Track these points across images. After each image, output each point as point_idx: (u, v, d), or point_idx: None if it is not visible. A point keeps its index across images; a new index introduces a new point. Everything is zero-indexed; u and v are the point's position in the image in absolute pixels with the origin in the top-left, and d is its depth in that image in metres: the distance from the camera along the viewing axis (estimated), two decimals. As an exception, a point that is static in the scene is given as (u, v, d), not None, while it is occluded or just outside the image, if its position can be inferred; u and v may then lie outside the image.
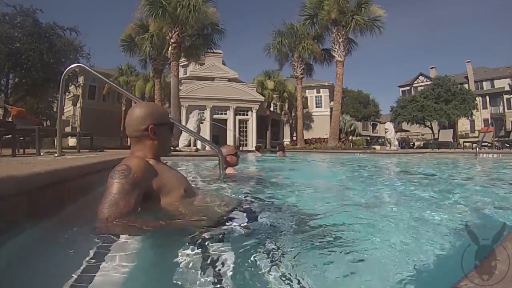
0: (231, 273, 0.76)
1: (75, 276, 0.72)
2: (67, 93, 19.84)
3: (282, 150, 9.01)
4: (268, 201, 1.71)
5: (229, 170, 2.73)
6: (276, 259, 0.86)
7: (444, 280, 0.78)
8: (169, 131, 1.39)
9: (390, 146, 11.39)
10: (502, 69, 34.05)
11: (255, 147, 10.72)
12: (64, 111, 23.06)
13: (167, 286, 0.79)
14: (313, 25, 18.99)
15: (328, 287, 0.77)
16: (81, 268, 0.76)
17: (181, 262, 0.83)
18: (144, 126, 1.25)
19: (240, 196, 1.82)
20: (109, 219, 0.98)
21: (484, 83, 34.95)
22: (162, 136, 1.30)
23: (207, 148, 8.30)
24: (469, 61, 34.89)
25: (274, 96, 27.01)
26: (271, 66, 26.84)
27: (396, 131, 13.25)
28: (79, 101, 27.23)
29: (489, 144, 11.09)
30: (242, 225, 1.14)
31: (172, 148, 1.68)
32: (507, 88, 32.16)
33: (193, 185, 1.57)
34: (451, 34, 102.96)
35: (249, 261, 0.85)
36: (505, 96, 32.50)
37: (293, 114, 29.28)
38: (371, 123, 40.23)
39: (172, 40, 15.60)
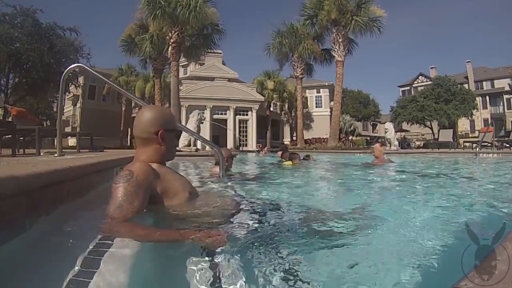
0: (234, 273, 0.76)
1: (73, 276, 0.72)
2: (67, 93, 19.86)
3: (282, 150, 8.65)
4: (269, 201, 1.71)
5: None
6: (279, 258, 0.86)
7: (444, 280, 0.78)
8: (176, 138, 1.41)
9: (390, 146, 11.37)
10: (502, 69, 34.02)
11: (258, 146, 10.45)
12: (64, 111, 23.07)
13: (168, 287, 0.79)
14: (313, 25, 19.04)
15: (330, 286, 0.77)
16: (80, 268, 0.76)
17: (182, 262, 0.83)
18: (153, 129, 1.26)
19: (241, 196, 1.82)
20: (113, 221, 0.98)
21: (484, 83, 34.93)
22: (169, 142, 1.31)
23: (207, 148, 8.29)
24: (469, 61, 34.92)
25: (274, 96, 27.00)
26: (271, 66, 26.85)
27: (396, 131, 13.23)
28: (79, 101, 27.23)
29: (489, 144, 11.09)
30: (244, 225, 1.14)
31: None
32: (507, 88, 32.14)
33: (194, 185, 1.57)
34: (451, 34, 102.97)
35: (252, 260, 0.85)
36: (505, 96, 32.49)
37: (293, 114, 29.27)
38: (371, 123, 40.22)
39: (172, 40, 15.61)
